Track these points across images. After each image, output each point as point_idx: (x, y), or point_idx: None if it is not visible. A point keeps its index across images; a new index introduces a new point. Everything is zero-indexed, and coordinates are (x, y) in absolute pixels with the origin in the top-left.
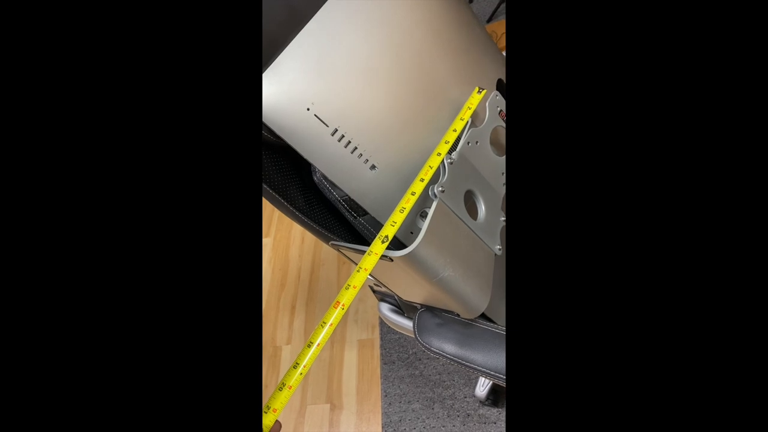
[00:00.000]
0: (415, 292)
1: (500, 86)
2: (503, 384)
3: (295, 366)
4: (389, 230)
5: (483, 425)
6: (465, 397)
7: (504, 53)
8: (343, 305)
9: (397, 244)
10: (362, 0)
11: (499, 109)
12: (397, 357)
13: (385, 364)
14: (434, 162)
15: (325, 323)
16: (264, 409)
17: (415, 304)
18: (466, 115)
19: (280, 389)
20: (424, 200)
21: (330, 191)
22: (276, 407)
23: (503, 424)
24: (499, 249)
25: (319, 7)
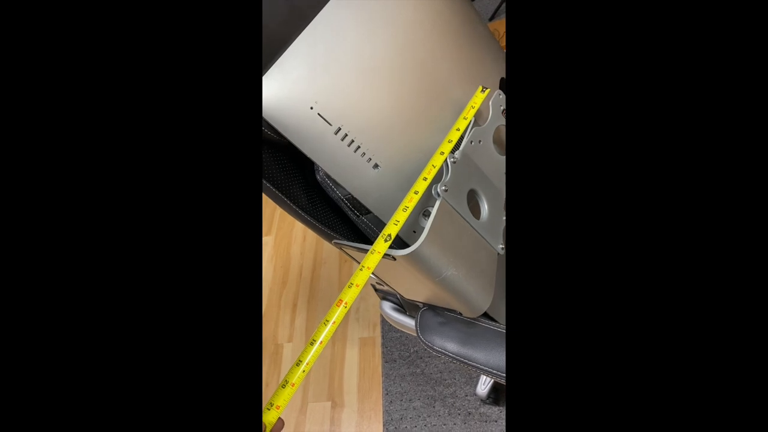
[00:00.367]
0: (417, 290)
1: (503, 85)
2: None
3: (298, 363)
4: (392, 229)
5: (484, 423)
6: (466, 396)
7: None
8: (346, 303)
9: (399, 243)
10: None
11: (502, 108)
12: (399, 355)
13: (386, 362)
14: (437, 161)
15: (327, 321)
16: (267, 406)
17: (417, 303)
18: (469, 114)
19: (283, 386)
20: (427, 199)
21: (333, 190)
22: (279, 404)
23: (504, 423)
24: (502, 248)
25: (321, 7)
